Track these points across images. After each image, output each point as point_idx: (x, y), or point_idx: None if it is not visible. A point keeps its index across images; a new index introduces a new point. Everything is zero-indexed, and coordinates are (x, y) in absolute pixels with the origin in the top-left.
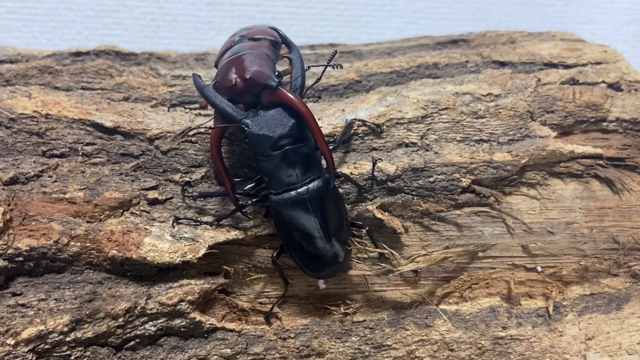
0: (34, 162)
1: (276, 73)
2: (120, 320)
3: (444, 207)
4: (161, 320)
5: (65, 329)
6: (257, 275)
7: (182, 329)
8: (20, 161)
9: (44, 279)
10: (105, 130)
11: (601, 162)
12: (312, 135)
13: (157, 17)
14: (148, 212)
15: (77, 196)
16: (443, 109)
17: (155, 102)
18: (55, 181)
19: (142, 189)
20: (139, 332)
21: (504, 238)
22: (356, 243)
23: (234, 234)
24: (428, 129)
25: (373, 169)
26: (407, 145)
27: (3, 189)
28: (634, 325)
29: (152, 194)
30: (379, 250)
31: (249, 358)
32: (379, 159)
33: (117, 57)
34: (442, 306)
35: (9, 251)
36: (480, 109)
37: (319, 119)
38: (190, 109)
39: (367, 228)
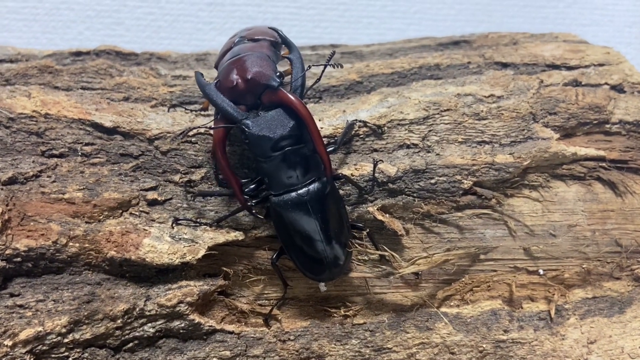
0: (33, 162)
1: (277, 73)
2: (119, 321)
3: (445, 209)
4: (160, 322)
5: (64, 330)
6: (257, 277)
7: (181, 331)
8: (19, 161)
9: (42, 280)
10: (104, 131)
11: (604, 164)
12: (310, 138)
13: (158, 18)
14: (147, 213)
15: (76, 196)
16: (445, 110)
17: (155, 102)
18: (54, 181)
19: (141, 190)
20: (137, 334)
21: (505, 240)
22: (357, 245)
23: (233, 235)
24: (429, 130)
25: (374, 171)
26: (408, 147)
27: (2, 189)
28: (636, 329)
29: (151, 195)
30: (379, 252)
31: None
32: (380, 160)
33: (117, 57)
34: (443, 309)
35: (7, 251)
36: (482, 111)
37: (319, 120)
38: (191, 110)
39: (368, 230)
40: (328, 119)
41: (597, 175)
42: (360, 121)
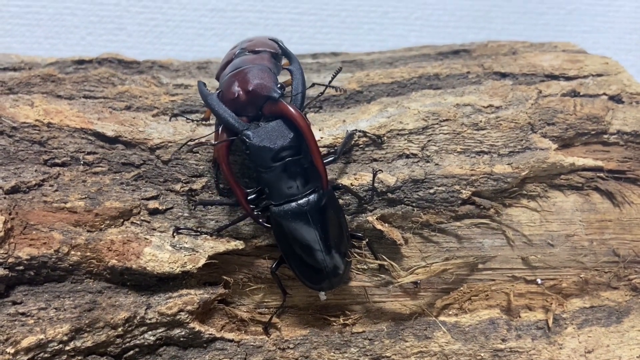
0: (36, 171)
1: (278, 85)
2: (120, 329)
3: (444, 219)
4: (160, 330)
5: (65, 338)
6: (257, 286)
7: (182, 339)
8: (21, 170)
9: (44, 288)
10: (106, 140)
11: (602, 174)
12: (308, 150)
13: (160, 23)
14: (148, 222)
15: (78, 205)
16: (444, 121)
17: (157, 112)
18: (56, 190)
19: (142, 199)
20: (138, 342)
21: (504, 250)
22: (356, 254)
23: (233, 245)
24: (429, 140)
25: (373, 180)
26: (407, 157)
27: (4, 198)
28: (634, 338)
29: (152, 204)
30: (379, 262)
31: None
32: (380, 170)
33: (119, 65)
34: (441, 318)
35: (10, 260)
36: (481, 121)
37: (319, 130)
38: (192, 119)
39: (367, 240)
40: (328, 129)
41: (595, 185)
42: (360, 131)
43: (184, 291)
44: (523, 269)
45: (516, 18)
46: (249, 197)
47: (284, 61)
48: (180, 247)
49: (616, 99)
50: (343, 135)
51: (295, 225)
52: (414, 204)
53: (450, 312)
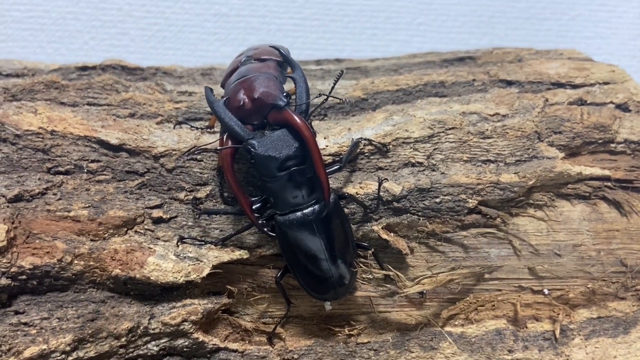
0: (39, 179)
1: (284, 93)
2: (123, 339)
3: (450, 228)
4: (164, 340)
5: (68, 348)
6: (261, 295)
7: (185, 349)
8: (25, 178)
9: (47, 298)
10: (110, 148)
11: (609, 183)
12: (313, 161)
13: (163, 28)
14: (152, 231)
15: (82, 214)
16: (450, 129)
17: (161, 119)
18: (59, 199)
19: (146, 208)
20: (141, 352)
21: (510, 260)
22: (361, 264)
23: (238, 254)
24: (434, 149)
25: (379, 189)
26: (413, 165)
27: (7, 207)
28: None
29: (156, 213)
30: (384, 272)
31: None
32: (385, 178)
33: (123, 71)
34: (447, 328)
35: (12, 269)
36: (487, 129)
37: (324, 138)
38: (197, 127)
39: (373, 249)
40: (333, 137)
41: (602, 194)
42: (365, 139)
43: (188, 301)
44: (530, 279)
45: (519, 24)
46: (253, 206)
47: (289, 69)
48: (185, 257)
49: (623, 107)
50: (348, 144)
51: (301, 235)
52: (419, 213)
53: (456, 323)
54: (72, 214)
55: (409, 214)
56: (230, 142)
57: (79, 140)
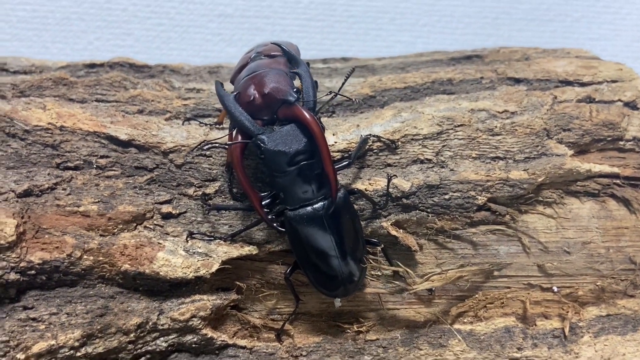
0: (48, 174)
1: (294, 89)
2: (132, 335)
3: (459, 225)
4: (172, 336)
5: (76, 343)
6: (270, 292)
7: (194, 345)
8: (34, 173)
9: (56, 293)
10: (119, 143)
11: (618, 181)
12: (322, 158)
13: (168, 29)
14: (162, 227)
15: (91, 209)
16: (458, 126)
17: (169, 115)
18: (69, 194)
19: (155, 203)
20: (150, 348)
21: (519, 257)
22: (371, 260)
23: (247, 250)
24: (443, 146)
25: (388, 186)
26: (422, 162)
27: (17, 201)
28: None
29: (165, 208)
30: (393, 268)
31: None
32: (394, 175)
33: (130, 69)
34: (456, 326)
35: (22, 264)
36: (496, 126)
37: (333, 134)
38: (205, 123)
39: (382, 246)
40: (342, 134)
41: (611, 192)
42: (374, 136)
43: (197, 297)
44: (539, 276)
45: (523, 25)
46: (263, 202)
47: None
48: (194, 252)
49: (631, 105)
50: (357, 140)
51: (311, 230)
52: (428, 210)
53: (465, 320)
54: (81, 209)
55: (418, 211)
56: (239, 137)
57: (88, 135)
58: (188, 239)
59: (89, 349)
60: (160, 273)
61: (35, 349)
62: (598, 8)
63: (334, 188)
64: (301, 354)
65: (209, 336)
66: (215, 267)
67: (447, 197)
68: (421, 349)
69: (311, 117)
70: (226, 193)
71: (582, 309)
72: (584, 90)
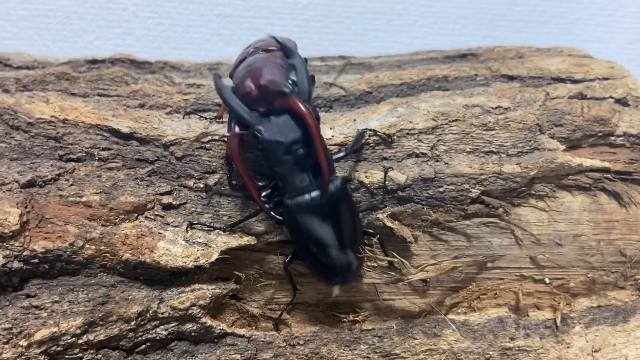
0: (51, 165)
1: (290, 81)
2: (132, 323)
3: (454, 217)
4: (172, 325)
5: (78, 331)
6: (268, 282)
7: (193, 334)
8: (37, 164)
9: (58, 281)
10: (121, 136)
11: (609, 175)
12: (315, 147)
13: (168, 28)
14: (162, 217)
15: (93, 200)
16: (453, 121)
17: (170, 110)
18: (71, 185)
19: (156, 194)
20: (150, 336)
21: (512, 249)
22: (367, 251)
23: (246, 240)
24: (438, 140)
25: (385, 179)
26: (417, 156)
27: (20, 192)
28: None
29: (166, 199)
30: (389, 258)
31: None
32: (390, 168)
33: (131, 65)
34: (450, 316)
35: (25, 253)
36: (489, 122)
37: (330, 128)
38: (205, 117)
39: (378, 236)
40: (339, 128)
41: (602, 186)
42: (370, 130)
43: (197, 286)
44: (531, 268)
45: (519, 27)
46: (263, 193)
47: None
48: (194, 242)
49: (622, 102)
50: (354, 134)
51: (309, 218)
52: (423, 202)
53: (459, 311)
54: (84, 199)
55: (413, 203)
56: (237, 129)
57: (90, 128)
58: (188, 229)
59: (91, 337)
60: (161, 262)
61: (38, 336)
62: (593, 10)
63: (326, 177)
64: (298, 343)
65: (208, 325)
66: (215, 256)
67: (441, 190)
68: (416, 339)
69: (305, 107)
70: (225, 185)
71: (574, 300)
72: (576, 87)
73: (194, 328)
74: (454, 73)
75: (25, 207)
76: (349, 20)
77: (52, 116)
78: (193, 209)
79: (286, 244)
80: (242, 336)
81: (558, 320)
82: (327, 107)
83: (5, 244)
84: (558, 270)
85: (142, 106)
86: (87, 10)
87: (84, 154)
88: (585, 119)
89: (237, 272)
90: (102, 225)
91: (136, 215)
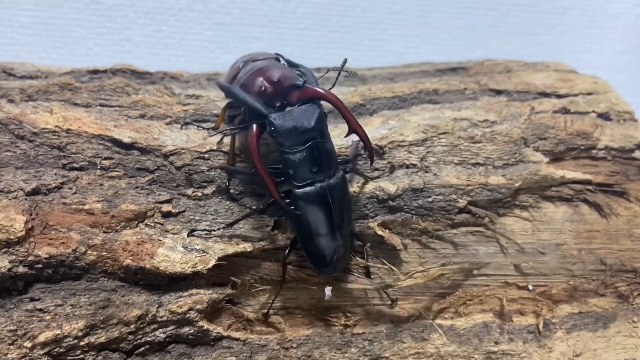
0: (55, 174)
1: (299, 74)
2: (132, 326)
3: (441, 226)
4: (170, 328)
5: (80, 333)
6: (262, 287)
7: (190, 337)
8: (42, 173)
9: (61, 286)
10: (122, 146)
11: (590, 187)
12: (346, 121)
13: (167, 36)
14: (162, 224)
15: (96, 207)
16: (442, 133)
17: (170, 120)
18: (75, 193)
19: (156, 202)
20: (149, 339)
21: (497, 257)
22: (358, 259)
23: (242, 247)
24: (428, 152)
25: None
26: (407, 167)
27: (26, 199)
28: (619, 343)
29: (166, 207)
30: (379, 265)
31: None
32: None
33: (132, 75)
34: (437, 321)
35: (30, 258)
36: (477, 134)
37: None
38: (203, 127)
39: (369, 244)
40: (333, 139)
41: (583, 197)
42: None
43: (194, 291)
44: (515, 275)
45: (511, 38)
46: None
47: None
48: (192, 249)
49: (604, 116)
50: (347, 145)
51: (316, 207)
52: (413, 212)
53: (446, 316)
54: (86, 207)
55: (403, 212)
56: (254, 126)
57: (93, 138)
58: (189, 235)
59: (92, 339)
60: (160, 268)
61: (42, 338)
62: (583, 22)
63: (369, 144)
64: (292, 346)
65: (205, 328)
66: (212, 262)
67: (430, 200)
68: (404, 342)
69: (325, 90)
70: (223, 194)
71: (556, 306)
72: (560, 102)
73: (191, 331)
74: (444, 87)
75: (30, 215)
76: (345, 29)
77: (56, 126)
78: (191, 217)
79: (280, 251)
80: (237, 339)
81: (540, 326)
82: None
83: (11, 249)
84: (541, 278)
85: (142, 117)
86: (87, 18)
87: (87, 163)
88: (569, 133)
89: (233, 278)
90: (104, 232)
91: (137, 222)
